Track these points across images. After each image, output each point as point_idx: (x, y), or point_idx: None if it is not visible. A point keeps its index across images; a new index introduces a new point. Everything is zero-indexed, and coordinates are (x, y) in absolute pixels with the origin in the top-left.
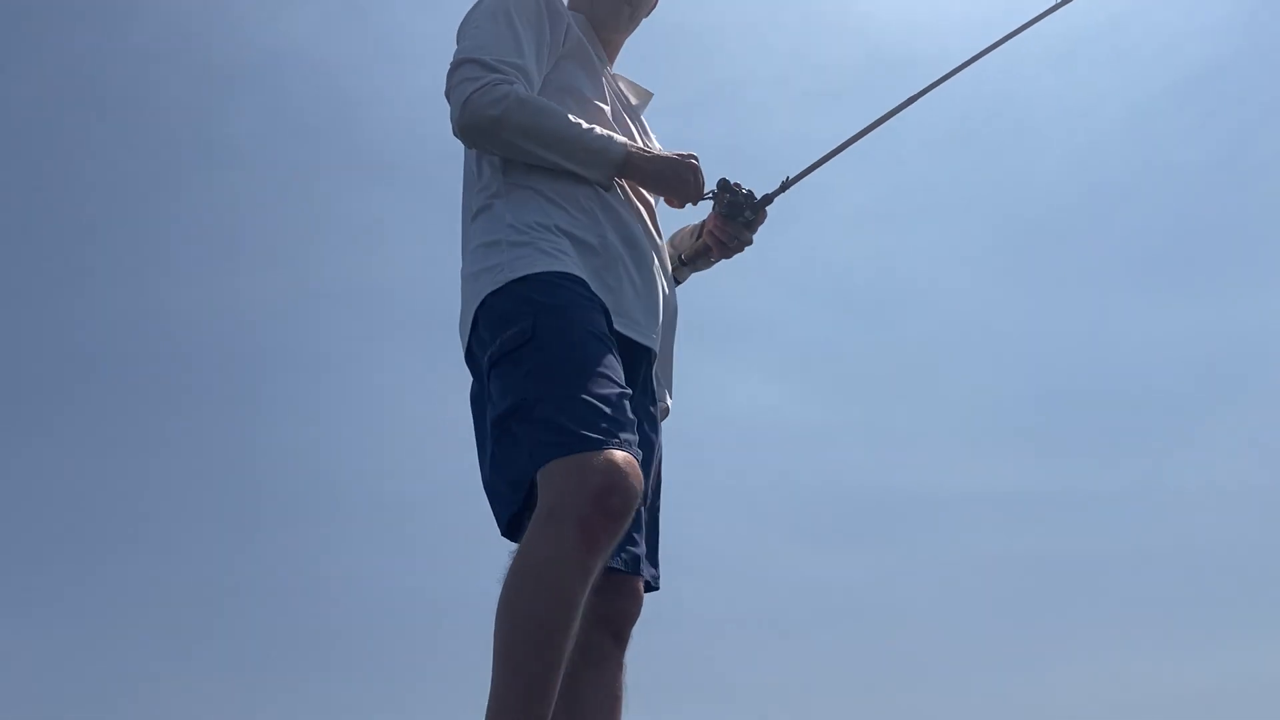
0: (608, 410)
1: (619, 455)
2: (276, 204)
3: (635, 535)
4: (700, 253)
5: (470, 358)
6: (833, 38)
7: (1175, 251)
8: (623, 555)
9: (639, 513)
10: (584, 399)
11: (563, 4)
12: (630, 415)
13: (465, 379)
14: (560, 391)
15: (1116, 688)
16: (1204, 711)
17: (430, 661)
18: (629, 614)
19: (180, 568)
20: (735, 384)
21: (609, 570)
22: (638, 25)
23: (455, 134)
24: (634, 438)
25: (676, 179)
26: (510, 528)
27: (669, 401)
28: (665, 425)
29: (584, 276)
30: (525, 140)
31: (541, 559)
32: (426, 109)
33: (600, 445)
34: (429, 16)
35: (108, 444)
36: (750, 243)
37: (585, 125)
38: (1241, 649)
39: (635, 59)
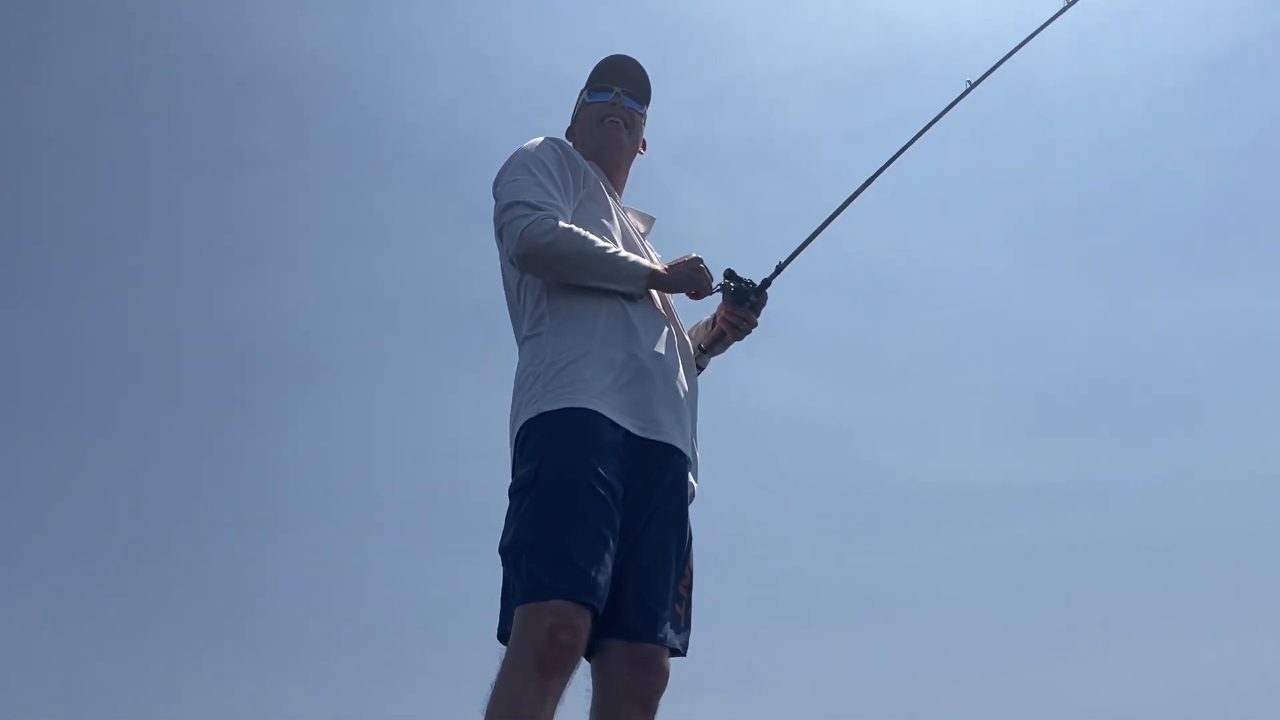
0: (574, 563)
1: (570, 605)
2: (297, 208)
3: (661, 612)
4: (716, 339)
5: (512, 468)
6: (846, 31)
7: (1201, 239)
8: (652, 630)
9: (669, 583)
10: (559, 554)
11: (576, 152)
12: (602, 559)
13: (482, 380)
14: (543, 543)
15: (1146, 680)
16: (1235, 706)
17: (453, 657)
18: (656, 687)
19: (207, 568)
20: (759, 377)
21: (640, 644)
22: (633, 159)
23: (511, 261)
24: (595, 580)
25: (691, 278)
26: (502, 638)
27: (695, 485)
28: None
29: (606, 403)
30: (570, 262)
31: (507, 689)
32: (443, 112)
33: (560, 594)
34: (443, 21)
35: (134, 447)
36: (756, 324)
37: (615, 248)
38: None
39: (652, 58)
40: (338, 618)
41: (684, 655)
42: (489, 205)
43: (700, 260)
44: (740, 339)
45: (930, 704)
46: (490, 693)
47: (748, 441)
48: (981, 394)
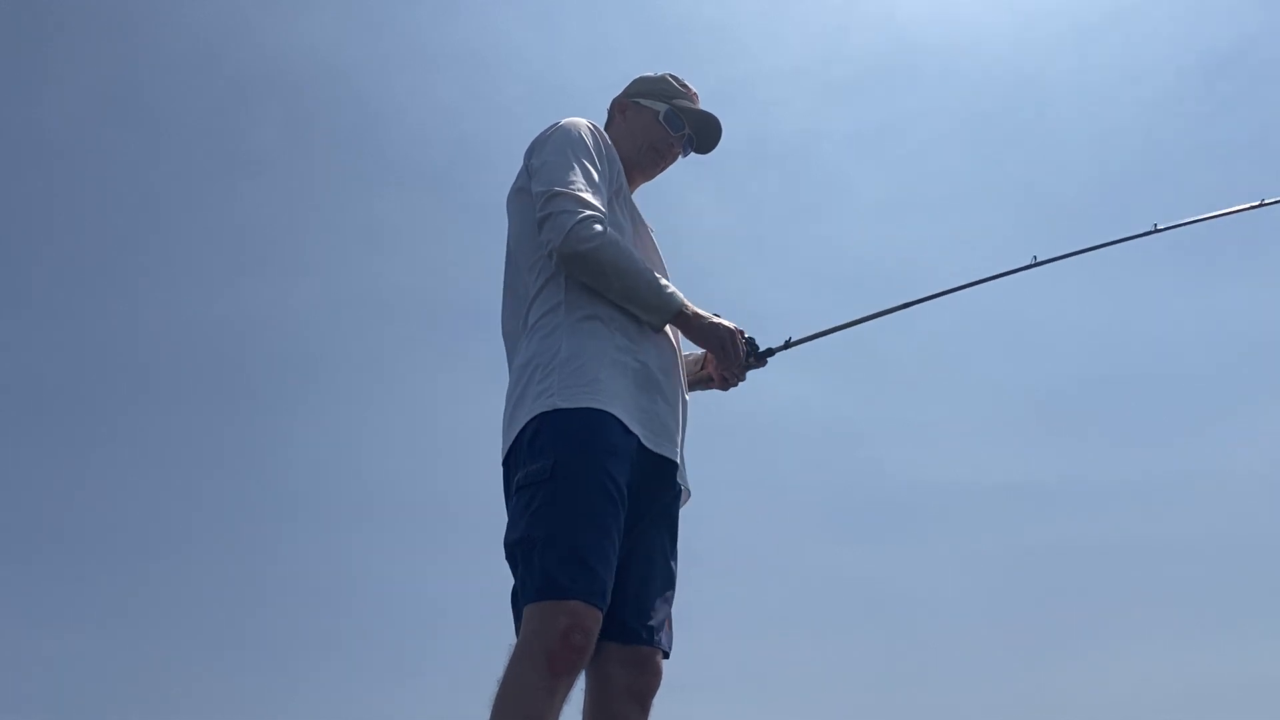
0: (588, 564)
1: (583, 606)
2: (300, 211)
3: (655, 616)
4: (701, 381)
5: (511, 456)
6: (846, 30)
7: (1205, 236)
8: (649, 633)
9: (662, 590)
10: (571, 552)
11: (615, 148)
12: (611, 562)
13: (489, 380)
14: (557, 540)
15: (1146, 679)
16: (1235, 706)
17: (457, 656)
18: (653, 687)
19: (209, 568)
20: (762, 377)
21: (637, 647)
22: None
23: (550, 256)
24: (605, 583)
25: (720, 346)
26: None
27: (689, 487)
28: (693, 422)
29: (619, 406)
30: (607, 275)
31: (516, 686)
32: (446, 114)
33: (573, 595)
34: (446, 24)
35: (137, 449)
36: (744, 379)
37: (653, 274)
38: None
39: (654, 59)
40: (340, 617)
41: (668, 657)
42: (494, 207)
43: (743, 334)
44: (724, 390)
45: (931, 703)
46: (498, 689)
47: (750, 441)
48: (984, 393)
